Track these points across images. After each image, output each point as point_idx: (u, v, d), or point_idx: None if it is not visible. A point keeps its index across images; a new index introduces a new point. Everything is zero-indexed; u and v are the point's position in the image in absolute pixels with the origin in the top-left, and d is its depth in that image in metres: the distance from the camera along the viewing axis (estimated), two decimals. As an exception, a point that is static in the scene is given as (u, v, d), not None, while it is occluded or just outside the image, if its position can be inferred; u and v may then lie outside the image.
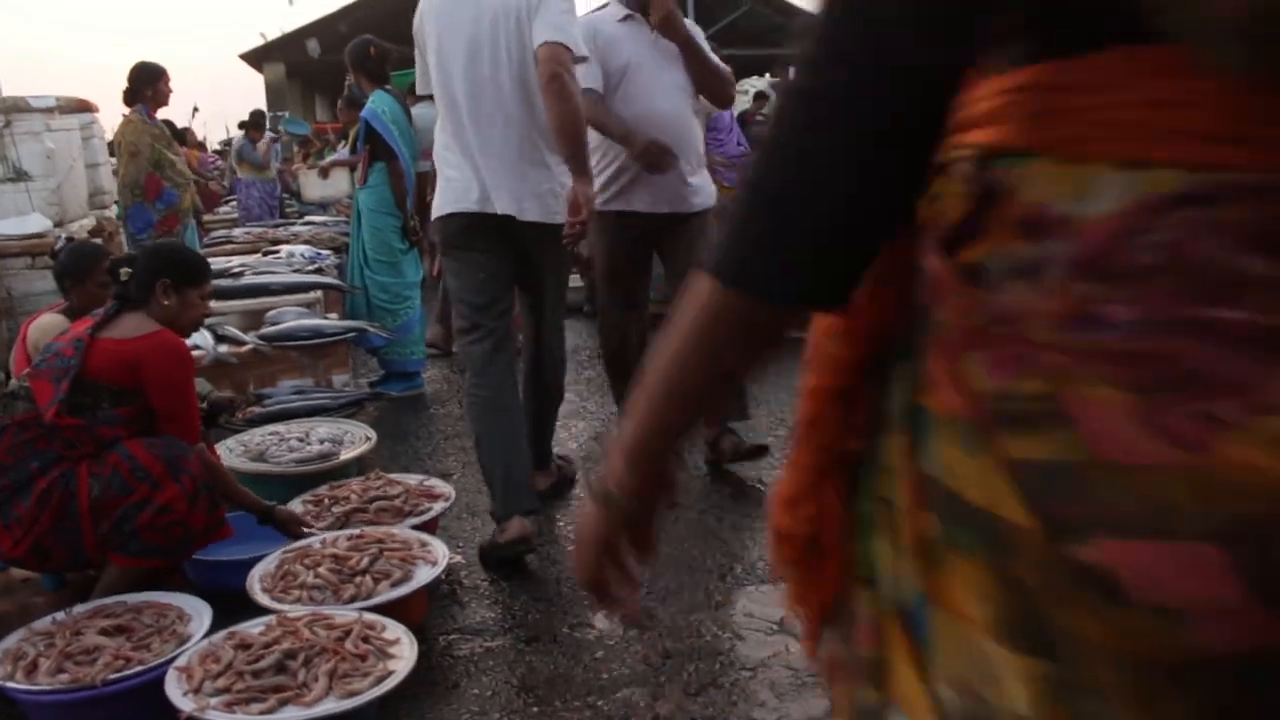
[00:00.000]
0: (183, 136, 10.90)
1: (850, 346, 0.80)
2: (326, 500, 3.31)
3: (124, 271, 2.90)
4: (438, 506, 3.28)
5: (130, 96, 5.86)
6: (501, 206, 3.20)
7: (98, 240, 5.09)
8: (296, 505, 3.26)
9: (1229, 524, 0.59)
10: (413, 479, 3.48)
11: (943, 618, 0.71)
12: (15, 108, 5.80)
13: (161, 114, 6.32)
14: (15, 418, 2.69)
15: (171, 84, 6.06)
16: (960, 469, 0.69)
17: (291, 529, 3.02)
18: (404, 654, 2.34)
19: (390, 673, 2.26)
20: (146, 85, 5.83)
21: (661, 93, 3.68)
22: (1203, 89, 0.61)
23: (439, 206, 3.35)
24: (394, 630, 2.43)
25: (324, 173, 9.04)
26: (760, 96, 16.15)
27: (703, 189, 3.84)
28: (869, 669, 0.78)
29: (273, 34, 22.08)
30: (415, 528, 3.09)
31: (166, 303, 2.88)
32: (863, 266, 0.77)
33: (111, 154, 6.86)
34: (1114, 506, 0.61)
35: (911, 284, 0.74)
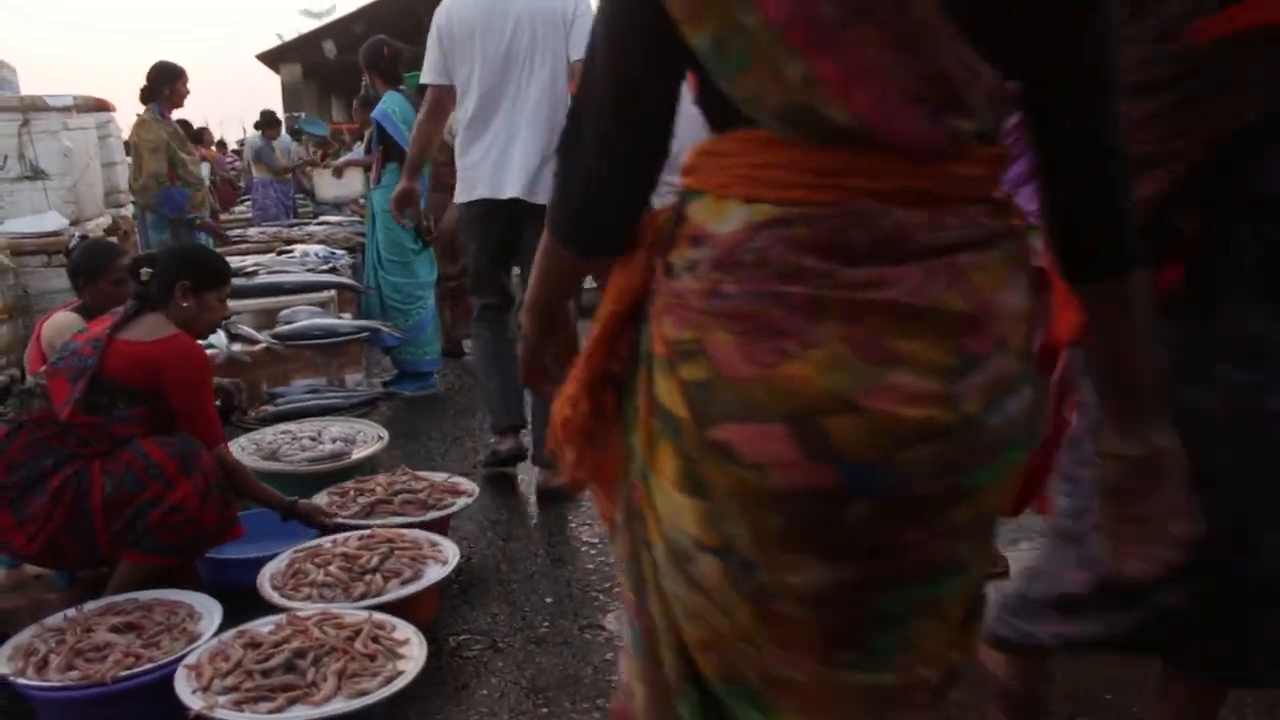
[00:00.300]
0: (199, 136, 10.93)
1: (618, 305, 1.18)
2: (352, 492, 3.34)
3: (144, 271, 2.91)
4: (461, 502, 3.30)
5: (147, 94, 5.88)
6: (511, 191, 3.54)
7: (113, 239, 5.11)
8: (322, 498, 3.28)
9: (788, 411, 0.98)
10: (438, 476, 3.48)
11: (656, 480, 1.12)
12: (33, 106, 5.82)
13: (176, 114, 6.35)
14: (32, 415, 2.70)
15: (189, 85, 6.08)
16: (661, 387, 1.09)
17: (316, 520, 3.04)
18: (413, 654, 2.33)
19: (399, 673, 2.25)
20: (164, 84, 5.85)
21: None
22: (784, 155, 1.01)
23: (460, 193, 3.73)
24: (404, 630, 2.43)
25: (338, 172, 9.07)
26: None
27: None
28: (641, 518, 1.17)
29: (289, 35, 22.17)
30: (432, 522, 3.12)
31: (185, 305, 2.89)
32: (624, 235, 1.18)
33: (126, 153, 6.88)
34: (728, 404, 1.01)
35: (649, 278, 1.14)
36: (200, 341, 4.44)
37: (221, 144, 18.53)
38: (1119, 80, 1.09)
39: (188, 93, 6.08)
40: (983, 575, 1.18)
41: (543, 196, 3.48)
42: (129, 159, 6.47)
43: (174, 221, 5.90)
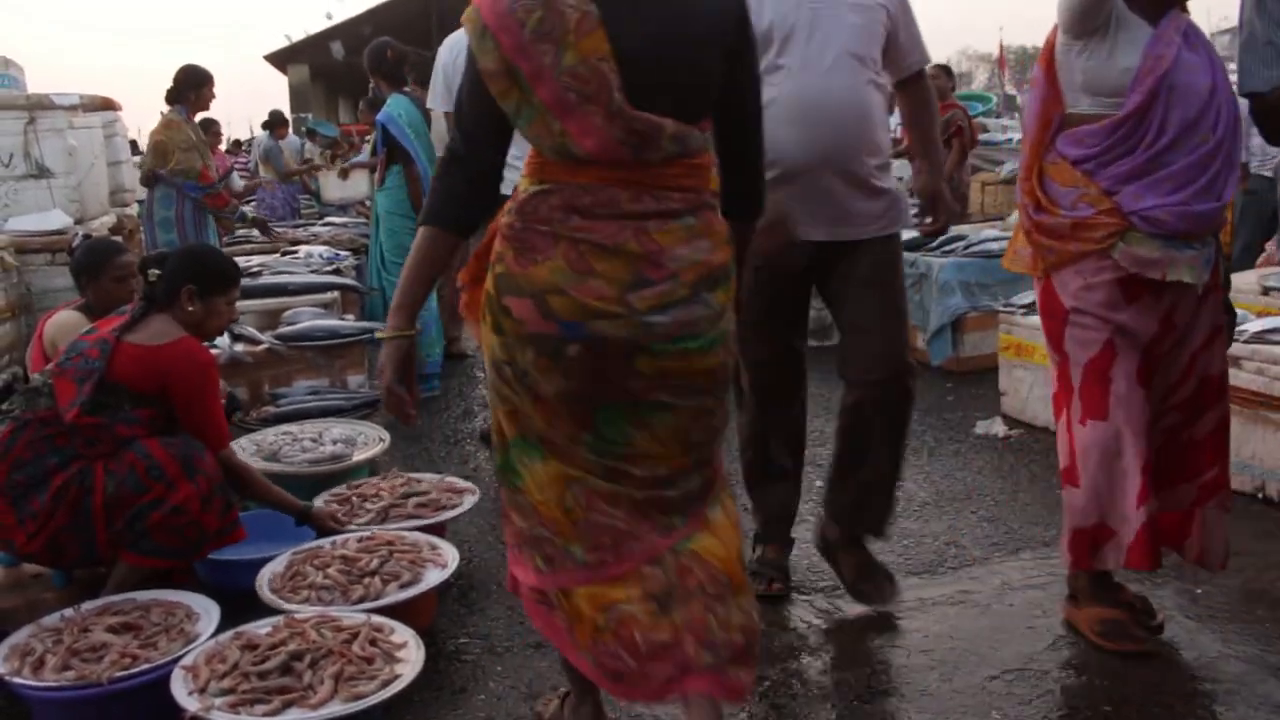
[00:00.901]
0: (208, 127, 10.86)
1: (489, 237, 1.97)
2: (355, 498, 3.31)
3: (152, 273, 2.90)
4: (468, 501, 3.30)
5: (173, 96, 5.88)
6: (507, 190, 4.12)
7: (117, 238, 5.11)
8: (319, 502, 3.25)
9: (531, 292, 1.81)
10: (432, 477, 3.47)
11: (484, 327, 1.92)
12: (39, 105, 5.82)
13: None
14: (38, 414, 2.69)
15: (215, 89, 6.07)
16: (490, 280, 1.89)
17: (328, 527, 3.03)
18: (411, 658, 2.32)
19: (396, 676, 2.24)
20: (191, 89, 5.84)
21: (828, 67, 2.69)
22: (553, 164, 1.84)
23: None
24: (402, 634, 2.42)
25: (344, 174, 9.06)
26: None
27: (880, 206, 2.81)
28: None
29: (297, 36, 22.18)
30: (432, 525, 3.12)
31: (191, 309, 2.87)
32: (481, 216, 1.98)
33: (134, 151, 6.86)
34: (508, 287, 1.84)
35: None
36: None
37: (237, 143, 18.53)
38: (761, 113, 2.07)
39: (214, 97, 6.06)
40: (704, 430, 1.95)
41: None
42: (135, 158, 6.44)
43: (197, 203, 5.81)
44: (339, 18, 21.78)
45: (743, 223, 2.10)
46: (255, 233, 7.84)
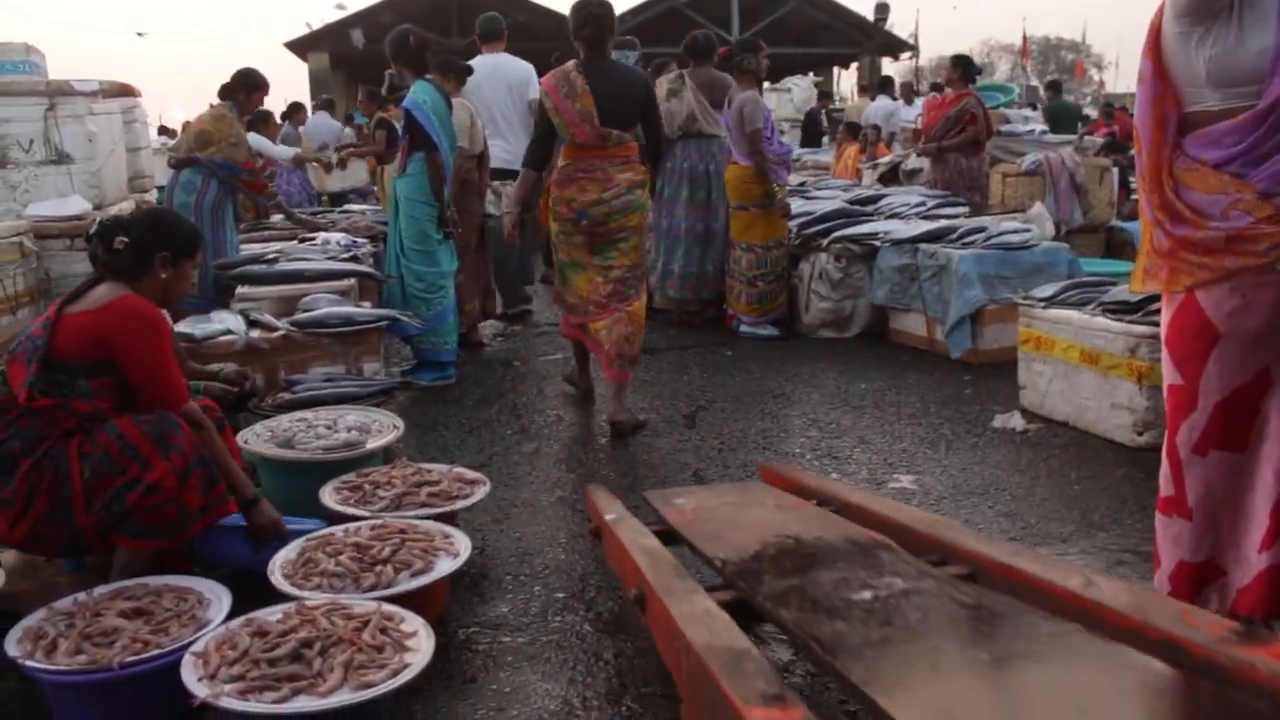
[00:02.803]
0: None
1: (548, 186, 5.21)
2: (367, 486, 3.29)
3: (120, 240, 2.79)
4: (480, 491, 3.28)
5: (226, 92, 5.94)
6: (500, 165, 6.74)
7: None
8: (329, 490, 3.25)
9: (566, 200, 4.64)
10: (442, 468, 3.46)
11: (551, 220, 4.90)
12: (59, 91, 5.84)
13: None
14: None
15: (264, 99, 6.28)
16: (551, 199, 4.86)
17: (262, 536, 2.89)
18: (421, 647, 2.31)
19: (406, 665, 2.23)
20: (243, 90, 5.93)
21: None
22: (572, 149, 4.66)
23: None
24: (412, 623, 2.40)
25: (343, 164, 9.05)
26: (824, 96, 17.04)
27: None
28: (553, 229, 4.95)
29: (317, 24, 22.22)
30: (443, 515, 3.11)
31: (164, 275, 2.82)
32: (544, 163, 4.92)
33: (161, 133, 6.87)
34: (557, 200, 4.71)
35: None
36: (219, 327, 4.46)
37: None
38: (661, 124, 4.96)
39: (261, 104, 6.35)
40: (635, 250, 4.70)
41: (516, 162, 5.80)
42: (160, 139, 6.45)
43: (227, 188, 5.82)
44: (356, 6, 21.81)
45: (652, 165, 4.83)
46: (275, 218, 7.84)
